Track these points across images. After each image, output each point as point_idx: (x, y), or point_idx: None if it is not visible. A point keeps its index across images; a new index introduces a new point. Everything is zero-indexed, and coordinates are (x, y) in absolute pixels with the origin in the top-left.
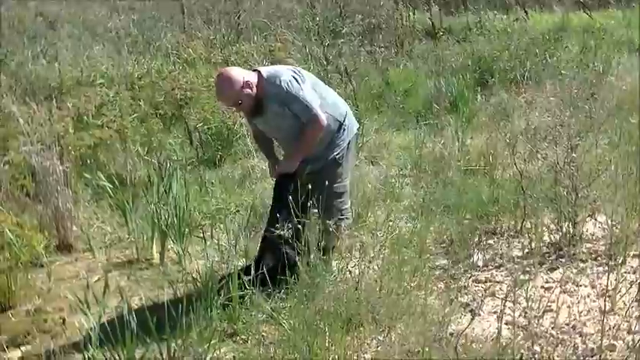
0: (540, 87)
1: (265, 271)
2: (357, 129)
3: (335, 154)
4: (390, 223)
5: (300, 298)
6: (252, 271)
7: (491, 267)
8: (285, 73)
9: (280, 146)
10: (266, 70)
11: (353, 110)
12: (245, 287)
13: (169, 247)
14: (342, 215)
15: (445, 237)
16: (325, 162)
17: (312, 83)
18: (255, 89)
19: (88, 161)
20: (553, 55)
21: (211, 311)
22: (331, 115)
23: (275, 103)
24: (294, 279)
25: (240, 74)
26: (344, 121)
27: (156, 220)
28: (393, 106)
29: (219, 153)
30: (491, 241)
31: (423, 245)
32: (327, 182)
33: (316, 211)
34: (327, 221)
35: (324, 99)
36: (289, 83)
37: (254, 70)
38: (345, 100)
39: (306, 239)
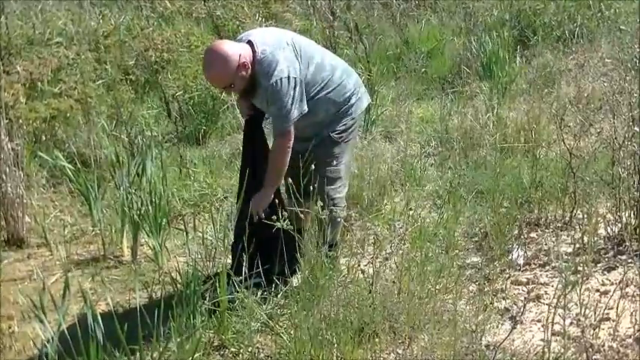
0: (594, 46)
1: (260, 270)
2: (369, 103)
3: (331, 130)
4: (411, 213)
5: (302, 302)
6: (244, 270)
7: (534, 266)
8: (282, 62)
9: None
10: (262, 48)
11: (364, 77)
12: (235, 289)
13: (143, 241)
14: (333, 205)
15: (478, 229)
16: (319, 140)
17: (317, 65)
18: (250, 70)
19: (43, 137)
20: (610, 6)
21: (194, 318)
22: (333, 99)
23: (263, 93)
24: (295, 279)
25: (236, 51)
26: (349, 99)
27: (126, 209)
28: (413, 71)
29: (203, 127)
30: (534, 235)
31: (451, 239)
32: (322, 164)
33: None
34: (323, 209)
35: (326, 83)
36: (279, 82)
37: (248, 42)
38: (355, 65)
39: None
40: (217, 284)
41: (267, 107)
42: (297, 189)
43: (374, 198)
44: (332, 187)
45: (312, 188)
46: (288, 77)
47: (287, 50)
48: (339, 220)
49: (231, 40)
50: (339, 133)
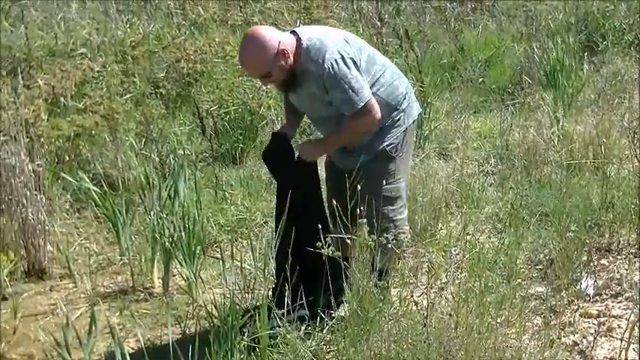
0: None
1: (303, 302)
2: (419, 113)
3: (386, 144)
4: (468, 238)
5: (350, 337)
6: (286, 302)
7: (605, 296)
8: (331, 46)
9: (317, 131)
10: (307, 37)
11: (416, 88)
12: (277, 324)
13: (175, 271)
14: (395, 228)
15: (542, 256)
16: (372, 155)
17: (369, 56)
18: (291, 59)
19: (67, 157)
20: None
21: (232, 356)
22: (384, 100)
23: (313, 83)
24: (342, 312)
25: (275, 37)
26: (401, 104)
27: (157, 236)
28: (469, 81)
29: (240, 145)
30: (605, 262)
31: (513, 267)
32: (373, 182)
33: (365, 220)
34: (383, 234)
35: (377, 79)
36: (335, 63)
37: (292, 32)
38: (406, 75)
39: (355, 259)
40: (257, 318)
41: (326, 97)
42: (343, 212)
43: (427, 222)
44: (392, 207)
45: (359, 211)
46: (343, 57)
47: (336, 37)
48: (390, 245)
49: (272, 27)
50: (392, 147)
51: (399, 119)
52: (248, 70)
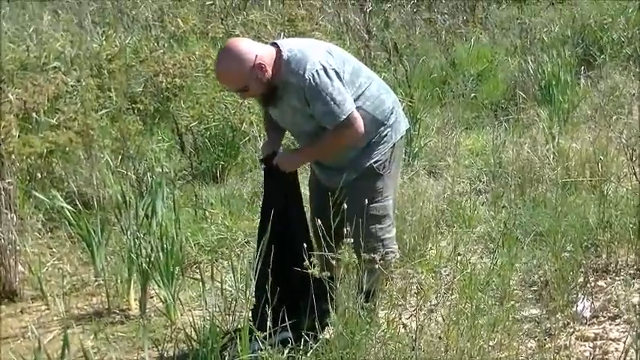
0: None
1: (287, 324)
2: (408, 129)
3: (373, 160)
4: (459, 258)
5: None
6: (268, 325)
7: (602, 319)
8: (313, 57)
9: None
10: (288, 48)
11: (405, 103)
12: (259, 347)
13: (153, 292)
14: (383, 247)
15: (537, 277)
16: (359, 172)
17: (353, 69)
18: (268, 73)
19: (39, 175)
20: None
21: None
22: (370, 114)
23: (294, 95)
24: (327, 334)
25: (252, 50)
26: (388, 119)
27: (134, 256)
28: (461, 96)
29: (221, 162)
30: (602, 283)
31: (506, 288)
32: (360, 200)
33: (351, 240)
34: (371, 254)
35: (362, 92)
36: (316, 74)
37: (272, 44)
38: (395, 90)
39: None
40: (238, 341)
41: (307, 109)
42: (327, 231)
43: (417, 242)
44: (380, 226)
45: (345, 230)
46: (325, 68)
47: (319, 49)
48: (377, 266)
49: (251, 40)
50: (380, 164)
51: (386, 135)
52: (224, 83)
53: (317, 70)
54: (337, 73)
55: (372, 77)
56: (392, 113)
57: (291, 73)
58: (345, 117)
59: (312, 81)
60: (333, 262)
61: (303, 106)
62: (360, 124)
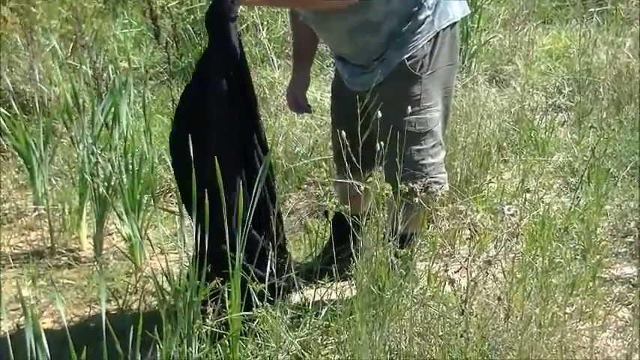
0: None
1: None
2: (464, 17)
3: (406, 56)
4: (528, 195)
5: (356, 326)
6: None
7: None
8: None
9: (327, 42)
10: None
11: None
12: (253, 301)
13: (112, 228)
14: (425, 176)
15: (633, 224)
16: (389, 72)
17: None
18: None
19: None
20: None
21: (189, 345)
22: None
23: None
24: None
25: None
26: None
27: (88, 178)
28: None
29: None
30: None
31: (591, 238)
32: (393, 110)
33: (385, 164)
34: (408, 184)
35: None
36: None
37: None
38: None
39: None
40: (226, 294)
41: None
42: (353, 150)
43: (471, 171)
44: (419, 147)
45: (377, 149)
46: None
47: None
48: (418, 200)
49: None
50: (415, 61)
51: (424, 21)
52: None
53: None
54: None
55: None
56: None
57: None
58: None
59: None
60: (359, 192)
61: None
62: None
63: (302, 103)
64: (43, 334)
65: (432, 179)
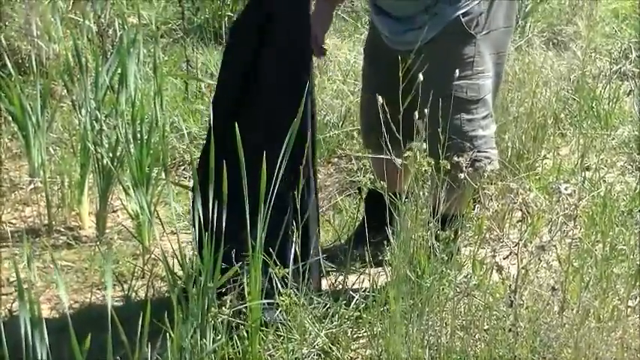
0: None
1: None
2: None
3: (461, 12)
4: (588, 174)
5: (391, 318)
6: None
7: None
8: None
9: None
10: None
11: None
12: (276, 287)
13: (118, 204)
14: (473, 149)
15: None
16: (440, 28)
17: None
18: None
19: None
20: None
21: (203, 337)
22: None
23: None
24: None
25: None
26: None
27: (91, 147)
28: None
29: (227, 13)
30: None
31: None
32: (440, 73)
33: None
34: (455, 158)
35: None
36: None
37: None
38: None
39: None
40: (246, 279)
41: None
42: (393, 117)
43: (524, 146)
44: (470, 117)
45: (419, 116)
46: None
47: None
48: (464, 176)
49: None
50: (470, 18)
51: None
52: None
53: None
54: None
55: None
56: None
57: None
58: None
59: None
60: (397, 165)
61: None
62: None
63: (319, 43)
64: (44, 322)
65: (483, 154)
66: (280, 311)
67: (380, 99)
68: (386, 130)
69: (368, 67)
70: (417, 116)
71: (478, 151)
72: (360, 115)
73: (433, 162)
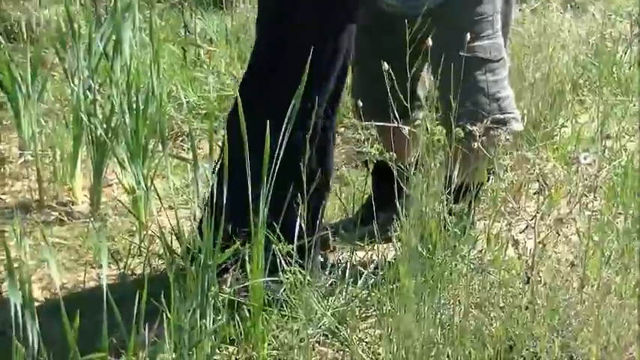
0: None
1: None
2: None
3: None
4: (609, 143)
5: (402, 295)
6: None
7: None
8: None
9: None
10: None
11: None
12: (279, 265)
13: (113, 178)
14: (499, 110)
15: None
16: None
17: None
18: None
19: None
20: None
21: (203, 317)
22: None
23: None
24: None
25: None
26: None
27: (84, 118)
28: None
29: None
30: None
31: None
32: (460, 36)
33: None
34: (468, 124)
35: None
36: None
37: None
38: None
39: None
40: (248, 257)
41: None
42: (401, 84)
43: (541, 113)
44: (494, 77)
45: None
46: None
47: None
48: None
49: None
50: None
51: None
52: None
53: None
54: None
55: None
56: None
57: None
58: None
59: None
60: (405, 134)
61: None
62: None
63: None
64: (32, 304)
65: (510, 114)
66: (284, 289)
67: (385, 64)
68: (393, 99)
69: (365, 33)
70: (428, 81)
71: (505, 112)
72: (355, 86)
73: (445, 131)
